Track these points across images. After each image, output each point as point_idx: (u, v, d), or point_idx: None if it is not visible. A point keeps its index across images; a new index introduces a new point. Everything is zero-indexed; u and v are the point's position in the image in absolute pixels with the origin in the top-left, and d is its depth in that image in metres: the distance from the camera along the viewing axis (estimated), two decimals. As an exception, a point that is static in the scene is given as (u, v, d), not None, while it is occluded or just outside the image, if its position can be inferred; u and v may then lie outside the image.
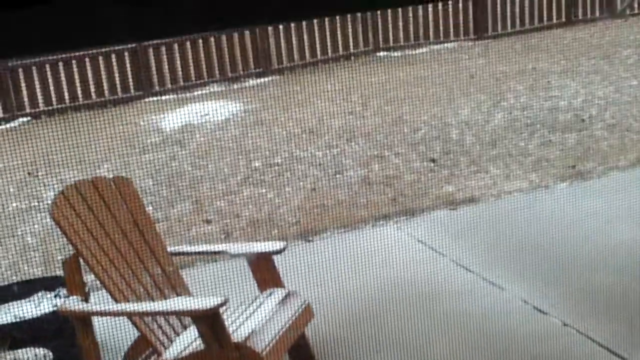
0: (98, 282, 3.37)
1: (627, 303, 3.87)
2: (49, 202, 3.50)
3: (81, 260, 3.37)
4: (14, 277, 4.64)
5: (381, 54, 12.18)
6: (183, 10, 0.65)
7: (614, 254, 4.42)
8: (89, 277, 3.62)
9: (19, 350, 3.39)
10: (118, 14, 0.62)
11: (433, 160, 6.64)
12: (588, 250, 4.52)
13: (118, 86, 10.29)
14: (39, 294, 3.87)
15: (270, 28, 11.05)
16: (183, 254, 3.95)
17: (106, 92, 10.26)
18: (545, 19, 13.08)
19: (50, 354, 3.32)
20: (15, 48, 0.67)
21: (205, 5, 0.65)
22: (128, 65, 10.47)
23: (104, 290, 3.36)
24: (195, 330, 3.16)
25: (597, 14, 13.33)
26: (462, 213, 5.37)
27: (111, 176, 3.77)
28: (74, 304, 3.30)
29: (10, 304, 3.76)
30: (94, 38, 0.65)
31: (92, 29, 0.62)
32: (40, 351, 3.35)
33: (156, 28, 0.67)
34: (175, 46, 10.75)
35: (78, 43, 0.63)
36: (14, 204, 6.16)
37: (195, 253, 4.14)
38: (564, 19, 13.13)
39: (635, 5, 13.46)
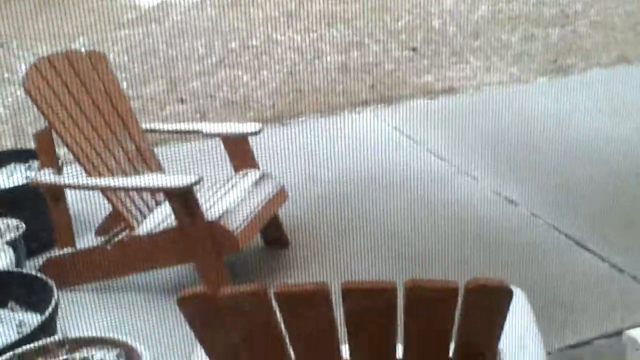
0: (71, 155, 3.34)
1: (598, 196, 3.93)
2: (22, 74, 3.42)
3: (54, 134, 3.32)
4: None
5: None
6: None
7: (589, 149, 4.45)
8: (62, 151, 3.57)
9: (-9, 220, 3.38)
10: None
11: (414, 49, 6.56)
12: (563, 145, 4.55)
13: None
14: (11, 165, 3.83)
15: None
16: (157, 131, 3.91)
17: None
18: None
19: (23, 224, 3.31)
20: None
21: None
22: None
23: (77, 165, 3.33)
24: (168, 207, 3.16)
25: None
26: (440, 103, 5.35)
27: (85, 51, 3.67)
28: (47, 176, 3.28)
29: (-19, 175, 3.73)
30: None
31: None
32: (13, 222, 3.34)
33: None
34: None
35: None
36: (-15, 75, 6.03)
37: (170, 131, 4.08)
38: None
39: None
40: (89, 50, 3.73)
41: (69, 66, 3.47)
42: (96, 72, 3.56)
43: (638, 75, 5.82)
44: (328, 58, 6.36)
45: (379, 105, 5.33)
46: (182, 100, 5.57)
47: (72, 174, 3.52)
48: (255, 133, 3.59)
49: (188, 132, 4.00)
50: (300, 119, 5.16)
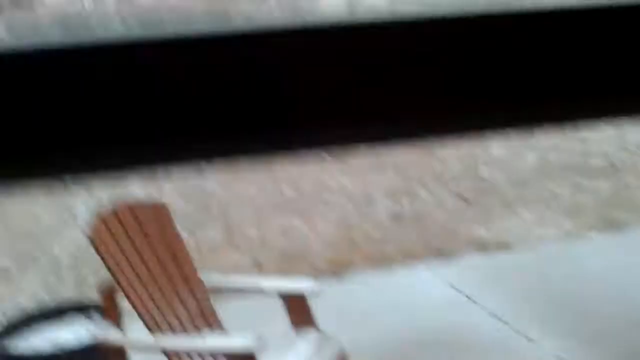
0: (131, 310, 3.35)
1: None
2: (80, 217, 3.48)
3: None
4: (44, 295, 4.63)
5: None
6: None
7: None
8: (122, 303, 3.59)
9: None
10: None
11: (465, 200, 6.59)
12: (626, 307, 4.44)
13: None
14: (72, 318, 3.85)
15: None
16: (220, 289, 3.89)
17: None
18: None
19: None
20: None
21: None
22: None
23: (135, 316, 3.34)
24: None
25: None
26: (495, 258, 5.30)
27: (143, 196, 3.74)
28: (113, 335, 3.29)
29: (44, 328, 3.75)
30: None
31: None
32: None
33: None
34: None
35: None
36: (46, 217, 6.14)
37: (232, 290, 4.06)
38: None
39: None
40: (153, 202, 3.81)
41: (134, 220, 3.53)
42: (160, 226, 3.62)
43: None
44: (379, 205, 6.42)
45: (430, 257, 5.31)
46: (237, 248, 5.61)
47: (131, 326, 3.53)
48: (315, 294, 3.57)
49: (250, 291, 3.97)
50: (353, 273, 5.14)
